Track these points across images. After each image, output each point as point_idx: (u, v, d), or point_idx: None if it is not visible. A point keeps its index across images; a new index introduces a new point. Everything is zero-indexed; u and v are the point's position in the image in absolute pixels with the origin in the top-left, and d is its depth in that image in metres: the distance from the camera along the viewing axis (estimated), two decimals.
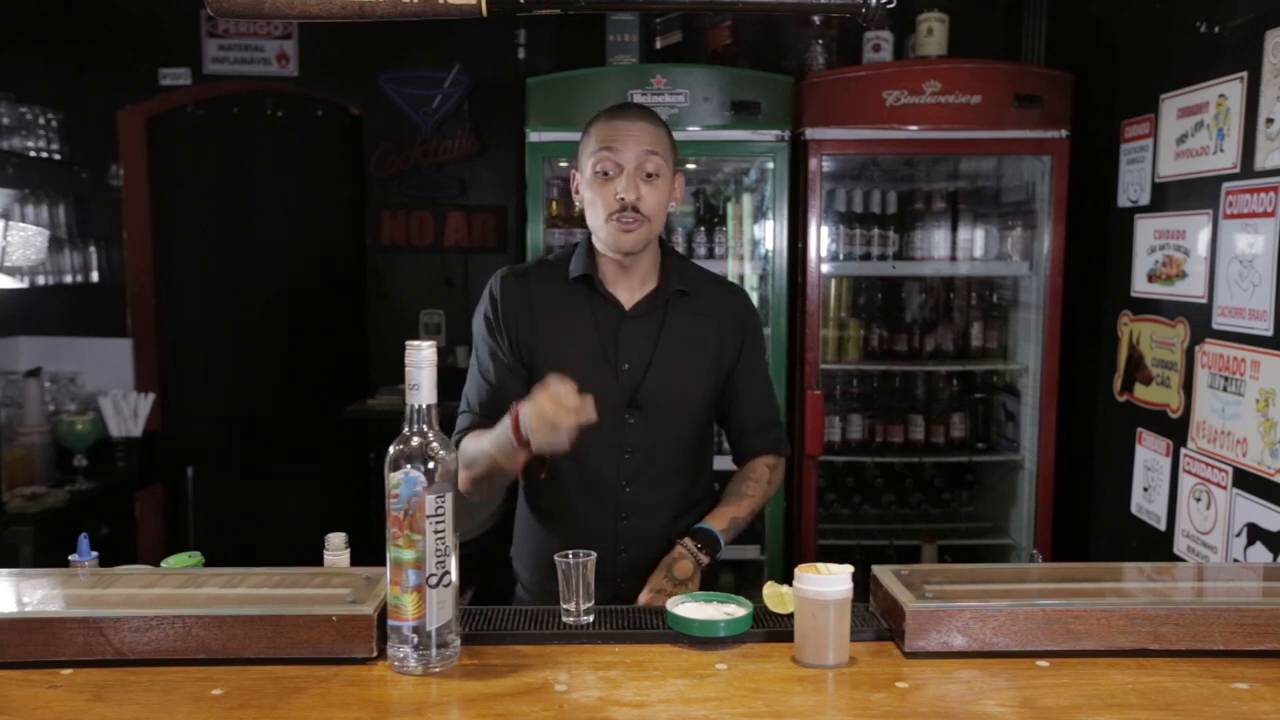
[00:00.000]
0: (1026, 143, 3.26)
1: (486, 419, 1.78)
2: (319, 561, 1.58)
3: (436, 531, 1.26)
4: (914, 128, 3.23)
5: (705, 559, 1.78)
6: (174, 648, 1.29)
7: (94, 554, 1.54)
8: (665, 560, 1.77)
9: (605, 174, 1.74)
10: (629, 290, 1.84)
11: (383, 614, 1.31)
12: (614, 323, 1.82)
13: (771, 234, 3.36)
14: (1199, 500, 2.58)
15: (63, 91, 4.00)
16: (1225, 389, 2.46)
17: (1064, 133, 3.23)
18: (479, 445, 1.71)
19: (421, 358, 1.28)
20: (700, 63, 3.75)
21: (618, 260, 1.81)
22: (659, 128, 1.78)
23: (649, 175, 1.74)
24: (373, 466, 3.85)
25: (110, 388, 3.95)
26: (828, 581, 1.30)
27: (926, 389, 3.82)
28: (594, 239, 1.83)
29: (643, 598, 1.72)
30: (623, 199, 1.72)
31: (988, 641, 1.34)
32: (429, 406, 1.29)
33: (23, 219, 3.63)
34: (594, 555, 1.50)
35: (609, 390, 1.79)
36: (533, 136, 3.28)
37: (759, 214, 3.52)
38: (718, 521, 1.83)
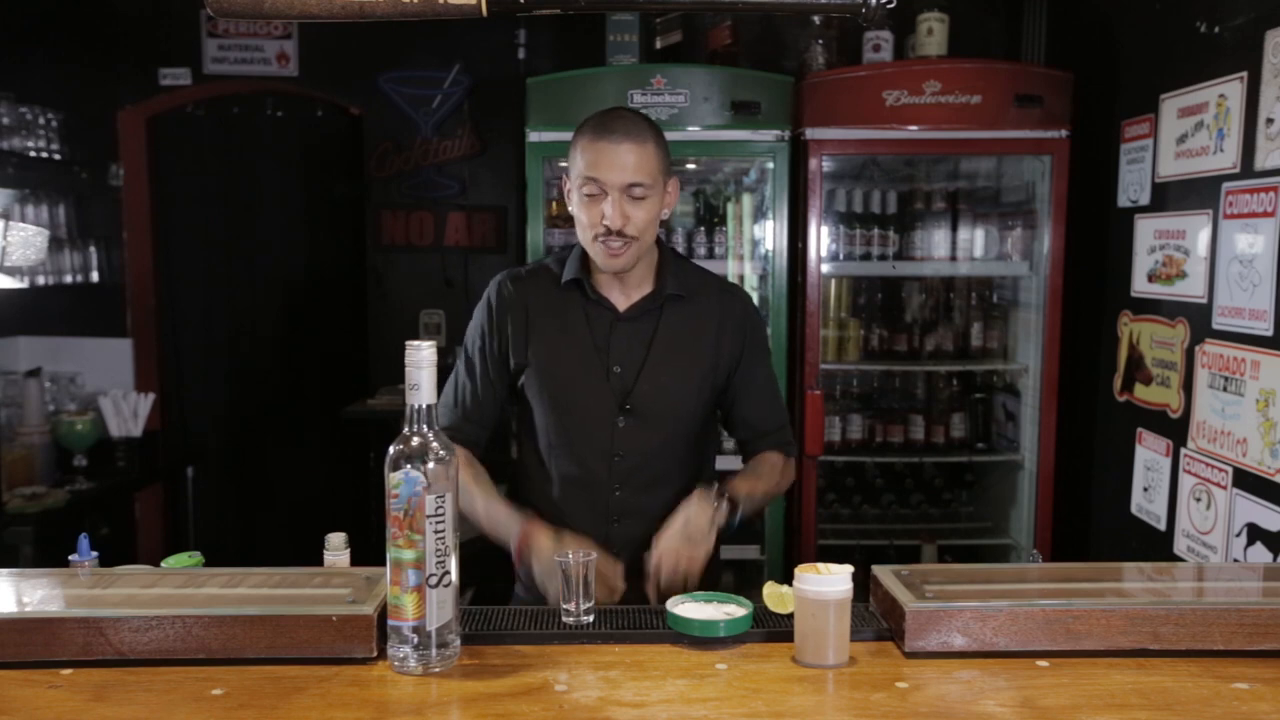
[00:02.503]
0: (1026, 143, 3.26)
1: (465, 420, 1.84)
2: (319, 561, 1.58)
3: (436, 531, 1.26)
4: (914, 128, 3.23)
5: (724, 514, 1.71)
6: (174, 648, 1.29)
7: (94, 554, 1.54)
8: (679, 514, 1.70)
9: (592, 195, 1.72)
10: (623, 294, 1.83)
11: (383, 614, 1.31)
12: (607, 325, 1.82)
13: (771, 234, 3.36)
14: (1199, 500, 2.58)
15: (63, 91, 3.99)
16: (1225, 389, 2.46)
17: (1064, 133, 3.23)
18: (465, 501, 1.73)
19: (421, 358, 1.28)
20: (700, 63, 3.75)
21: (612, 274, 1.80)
22: (646, 144, 1.71)
23: (636, 197, 1.71)
24: (373, 466, 3.85)
25: (110, 388, 3.95)
26: (828, 581, 1.30)
27: (926, 389, 3.82)
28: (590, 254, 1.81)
29: (652, 560, 1.67)
30: (608, 226, 1.70)
31: (988, 641, 1.34)
32: (429, 406, 1.29)
33: (23, 219, 3.63)
34: (594, 555, 1.50)
35: (600, 393, 1.79)
36: (533, 136, 3.28)
37: (759, 214, 3.52)
38: (736, 488, 1.78)
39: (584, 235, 1.76)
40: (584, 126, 1.74)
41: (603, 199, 1.70)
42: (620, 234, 1.71)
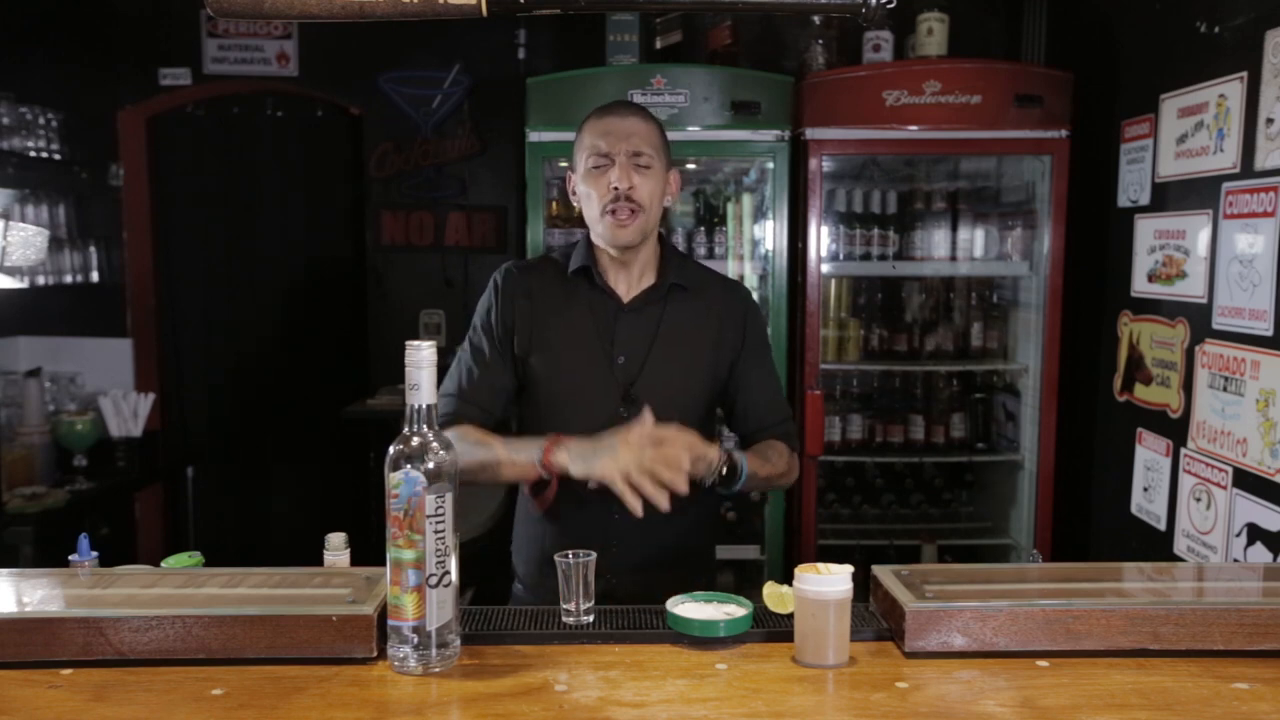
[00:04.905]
0: (1026, 143, 3.26)
1: (467, 404, 1.81)
2: (319, 561, 1.58)
3: (436, 531, 1.26)
4: (914, 128, 3.23)
5: (719, 462, 1.68)
6: (174, 648, 1.29)
7: (94, 554, 1.54)
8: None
9: (598, 167, 1.77)
10: (627, 284, 1.85)
11: (383, 614, 1.31)
12: (611, 316, 1.83)
13: (771, 234, 3.36)
14: (1199, 500, 2.58)
15: (63, 91, 4.00)
16: (1225, 389, 2.46)
17: (1064, 133, 3.23)
18: (486, 452, 1.71)
19: (421, 358, 1.28)
20: (700, 63, 3.75)
21: (616, 255, 1.82)
22: (649, 122, 1.80)
23: (641, 166, 1.76)
24: (373, 466, 3.85)
25: (110, 388, 3.95)
26: (828, 581, 1.30)
27: (926, 389, 3.82)
28: (592, 235, 1.84)
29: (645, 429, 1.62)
30: (616, 189, 1.74)
31: (988, 641, 1.34)
32: (429, 406, 1.29)
33: (23, 219, 3.63)
34: (594, 555, 1.50)
35: (604, 383, 1.80)
36: (533, 136, 3.28)
37: (759, 214, 3.52)
38: (743, 456, 1.75)
39: (592, 212, 1.79)
40: (588, 115, 1.82)
41: (609, 169, 1.75)
42: (628, 200, 1.74)
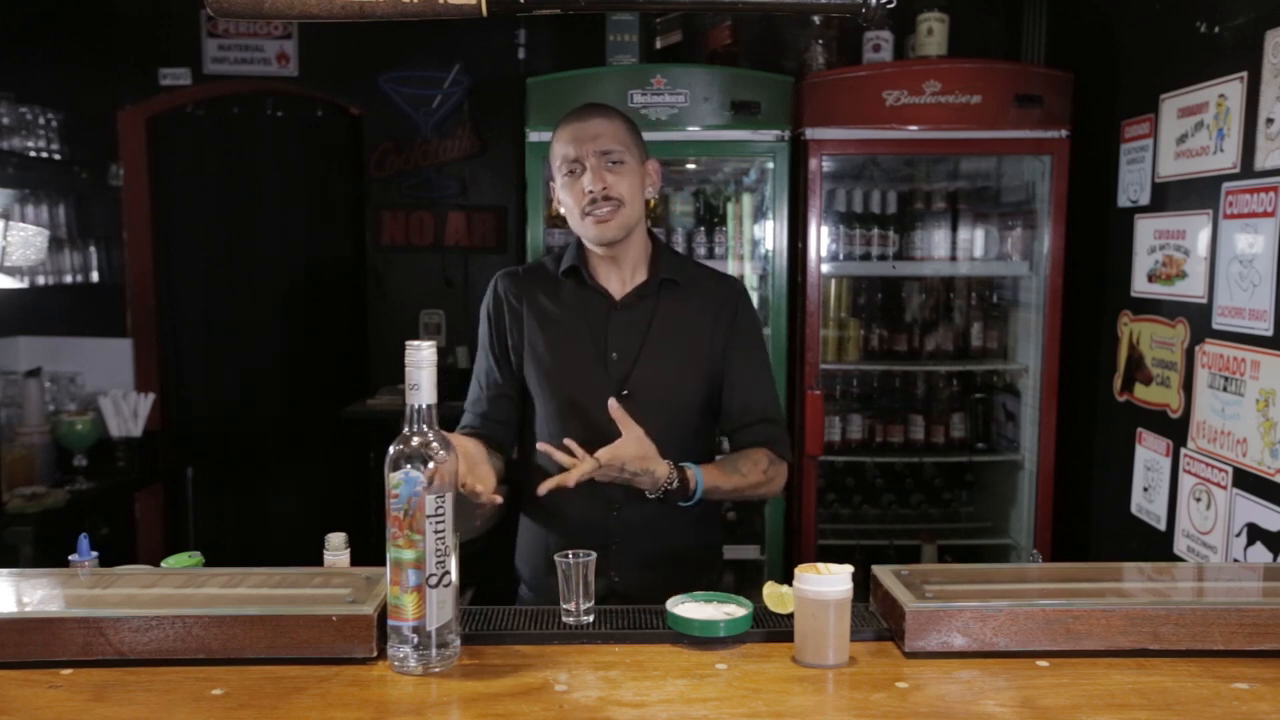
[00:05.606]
0: (1026, 143, 3.26)
1: (485, 419, 1.89)
2: (319, 561, 1.58)
3: (436, 531, 1.26)
4: (914, 128, 3.23)
5: (670, 481, 1.68)
6: (174, 648, 1.29)
7: (94, 554, 1.55)
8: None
9: (571, 173, 1.78)
10: (619, 282, 1.86)
11: (383, 614, 1.31)
12: (603, 313, 1.85)
13: (771, 234, 3.36)
14: (1199, 500, 2.58)
15: (63, 91, 4.00)
16: (1225, 389, 2.46)
17: (1064, 133, 3.22)
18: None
19: (421, 358, 1.28)
20: (700, 63, 3.75)
21: (605, 252, 1.83)
22: (615, 121, 1.81)
23: (613, 163, 1.77)
24: (373, 466, 3.85)
25: (110, 388, 3.95)
26: (828, 581, 1.30)
27: (926, 389, 3.82)
28: (581, 238, 1.86)
29: (603, 453, 1.64)
30: (591, 192, 1.75)
31: (988, 641, 1.34)
32: (429, 406, 1.29)
33: (23, 219, 3.62)
34: (594, 555, 1.50)
35: (599, 379, 1.81)
36: (533, 136, 3.28)
37: (759, 214, 3.52)
38: (701, 472, 1.74)
39: (574, 219, 1.81)
40: (557, 124, 1.84)
41: (582, 174, 1.77)
42: (606, 199, 1.76)
